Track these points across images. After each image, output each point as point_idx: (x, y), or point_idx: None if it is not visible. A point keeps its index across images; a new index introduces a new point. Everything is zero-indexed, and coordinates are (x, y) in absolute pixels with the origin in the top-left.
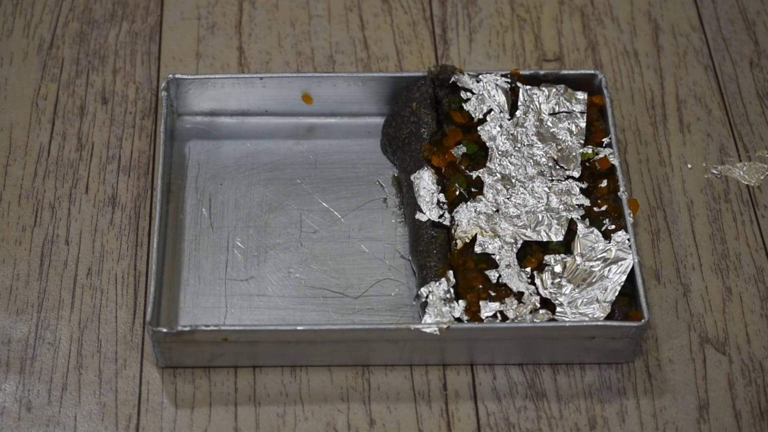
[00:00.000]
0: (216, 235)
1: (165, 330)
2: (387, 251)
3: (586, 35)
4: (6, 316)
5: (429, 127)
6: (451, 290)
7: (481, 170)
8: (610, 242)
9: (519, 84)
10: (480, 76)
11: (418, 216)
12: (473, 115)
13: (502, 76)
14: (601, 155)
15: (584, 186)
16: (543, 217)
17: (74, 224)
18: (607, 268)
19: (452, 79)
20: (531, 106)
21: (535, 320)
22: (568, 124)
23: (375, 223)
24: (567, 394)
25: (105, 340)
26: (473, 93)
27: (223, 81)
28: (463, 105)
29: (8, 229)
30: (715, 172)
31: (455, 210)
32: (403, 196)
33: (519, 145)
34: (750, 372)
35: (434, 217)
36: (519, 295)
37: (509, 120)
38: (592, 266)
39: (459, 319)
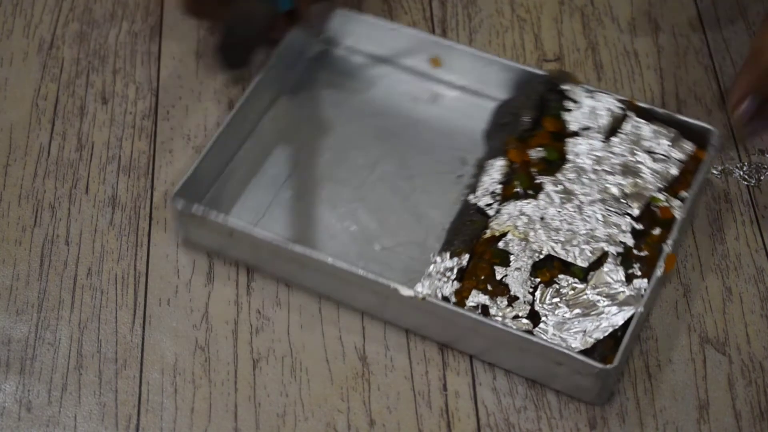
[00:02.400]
0: (292, 150)
1: (180, 207)
2: (434, 221)
3: (586, 35)
4: (6, 316)
5: (524, 123)
6: (457, 270)
7: (548, 177)
8: (628, 286)
9: (630, 113)
10: (595, 94)
11: (470, 197)
12: (568, 126)
13: (618, 100)
14: (667, 203)
15: (639, 227)
16: (580, 240)
17: (74, 224)
18: (610, 308)
19: (564, 87)
20: (632, 137)
21: (509, 325)
22: (660, 166)
23: (440, 192)
24: (567, 394)
25: (105, 340)
26: (580, 106)
27: (382, 24)
28: (564, 114)
29: (8, 229)
30: (715, 172)
31: (504, 204)
32: (476, 177)
33: (598, 169)
34: (750, 372)
35: (482, 204)
36: (512, 299)
37: (602, 142)
38: (597, 300)
39: (446, 298)
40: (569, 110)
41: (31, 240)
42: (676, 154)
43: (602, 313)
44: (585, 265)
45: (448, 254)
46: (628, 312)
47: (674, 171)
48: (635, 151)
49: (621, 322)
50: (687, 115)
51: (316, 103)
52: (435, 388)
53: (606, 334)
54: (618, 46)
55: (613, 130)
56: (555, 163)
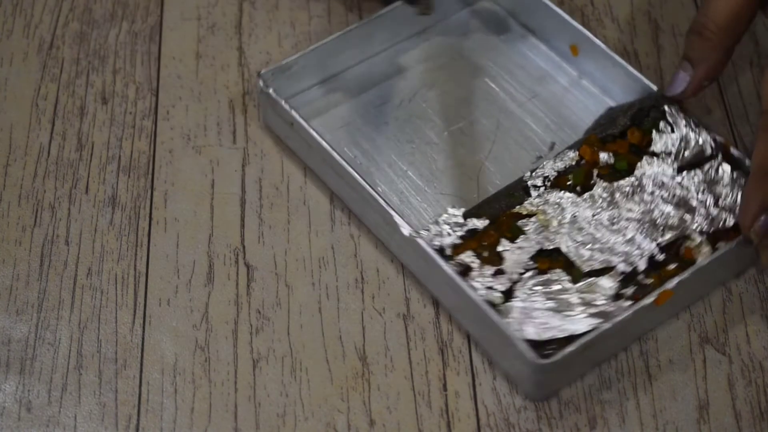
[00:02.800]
0: (404, 82)
1: (260, 85)
2: (488, 186)
3: None
4: (6, 316)
5: (614, 128)
6: (468, 230)
7: (604, 183)
8: (612, 302)
9: (720, 154)
10: (694, 126)
11: (525, 175)
12: (652, 146)
13: (714, 139)
14: (696, 246)
15: (659, 257)
16: (596, 247)
17: (74, 224)
18: (582, 315)
19: (669, 108)
20: (708, 178)
21: (479, 291)
22: (719, 213)
23: (510, 163)
24: (567, 395)
25: (105, 340)
26: (673, 130)
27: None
28: (654, 133)
29: (8, 229)
30: None
31: (550, 190)
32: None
33: (656, 193)
34: (750, 372)
35: (530, 183)
36: (500, 272)
37: (673, 171)
38: (575, 304)
39: (441, 249)
40: (661, 131)
41: (31, 240)
42: None
43: (572, 315)
44: (586, 269)
45: (462, 210)
46: (593, 323)
47: (730, 222)
48: (703, 191)
49: (581, 330)
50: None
51: (451, 48)
52: (435, 388)
53: (563, 335)
54: (618, 46)
55: (692, 164)
56: (620, 173)
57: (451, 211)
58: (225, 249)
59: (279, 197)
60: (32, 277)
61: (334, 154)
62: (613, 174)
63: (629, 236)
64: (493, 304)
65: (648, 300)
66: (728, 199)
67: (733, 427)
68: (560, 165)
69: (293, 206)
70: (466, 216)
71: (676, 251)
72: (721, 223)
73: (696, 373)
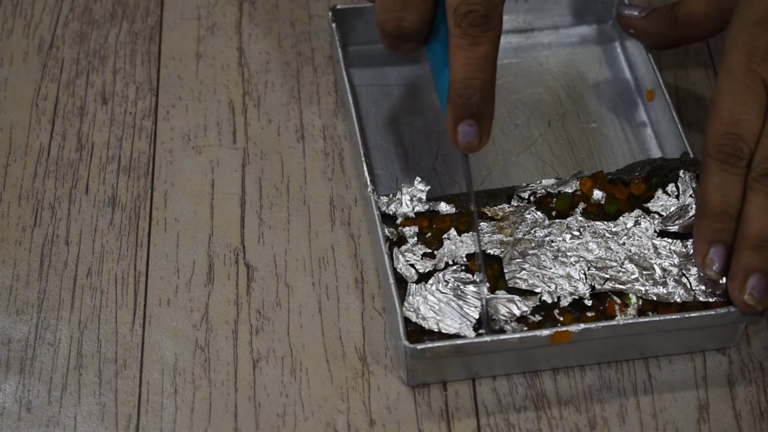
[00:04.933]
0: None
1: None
2: (488, 185)
3: None
4: (6, 316)
5: (627, 175)
6: (429, 210)
7: (583, 218)
8: (512, 322)
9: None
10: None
11: (521, 184)
12: (651, 203)
13: None
14: (622, 305)
15: (587, 302)
16: (533, 270)
17: (74, 224)
18: (461, 319)
19: (683, 173)
20: (685, 252)
21: (395, 261)
22: (673, 287)
23: (531, 171)
24: (567, 395)
25: (105, 341)
26: (678, 196)
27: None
28: (659, 192)
29: (8, 229)
30: None
31: (530, 207)
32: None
33: (626, 244)
34: (750, 372)
35: (517, 194)
36: (429, 255)
37: (654, 232)
38: (478, 308)
39: (387, 214)
40: (666, 193)
41: (31, 240)
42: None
43: (467, 318)
44: (510, 285)
45: (428, 188)
46: (467, 330)
47: (677, 301)
48: (673, 262)
49: (464, 334)
50: (687, 115)
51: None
52: (435, 388)
53: (446, 331)
54: None
55: (679, 235)
56: (606, 215)
57: (418, 185)
58: (225, 249)
59: (279, 197)
60: (32, 277)
61: (350, 98)
62: (599, 214)
63: (570, 272)
64: (402, 280)
65: (541, 333)
66: (692, 279)
67: (733, 427)
68: (555, 188)
69: (293, 206)
70: (429, 198)
71: (603, 302)
72: (668, 297)
73: (696, 373)
